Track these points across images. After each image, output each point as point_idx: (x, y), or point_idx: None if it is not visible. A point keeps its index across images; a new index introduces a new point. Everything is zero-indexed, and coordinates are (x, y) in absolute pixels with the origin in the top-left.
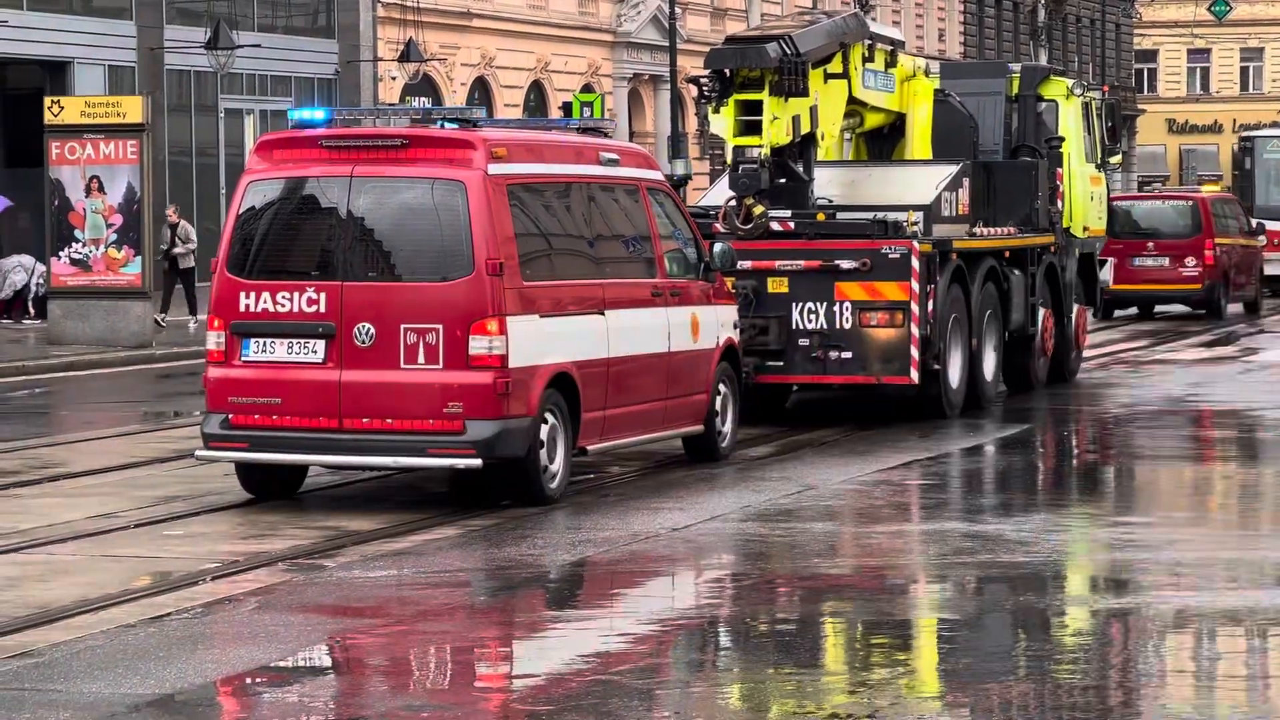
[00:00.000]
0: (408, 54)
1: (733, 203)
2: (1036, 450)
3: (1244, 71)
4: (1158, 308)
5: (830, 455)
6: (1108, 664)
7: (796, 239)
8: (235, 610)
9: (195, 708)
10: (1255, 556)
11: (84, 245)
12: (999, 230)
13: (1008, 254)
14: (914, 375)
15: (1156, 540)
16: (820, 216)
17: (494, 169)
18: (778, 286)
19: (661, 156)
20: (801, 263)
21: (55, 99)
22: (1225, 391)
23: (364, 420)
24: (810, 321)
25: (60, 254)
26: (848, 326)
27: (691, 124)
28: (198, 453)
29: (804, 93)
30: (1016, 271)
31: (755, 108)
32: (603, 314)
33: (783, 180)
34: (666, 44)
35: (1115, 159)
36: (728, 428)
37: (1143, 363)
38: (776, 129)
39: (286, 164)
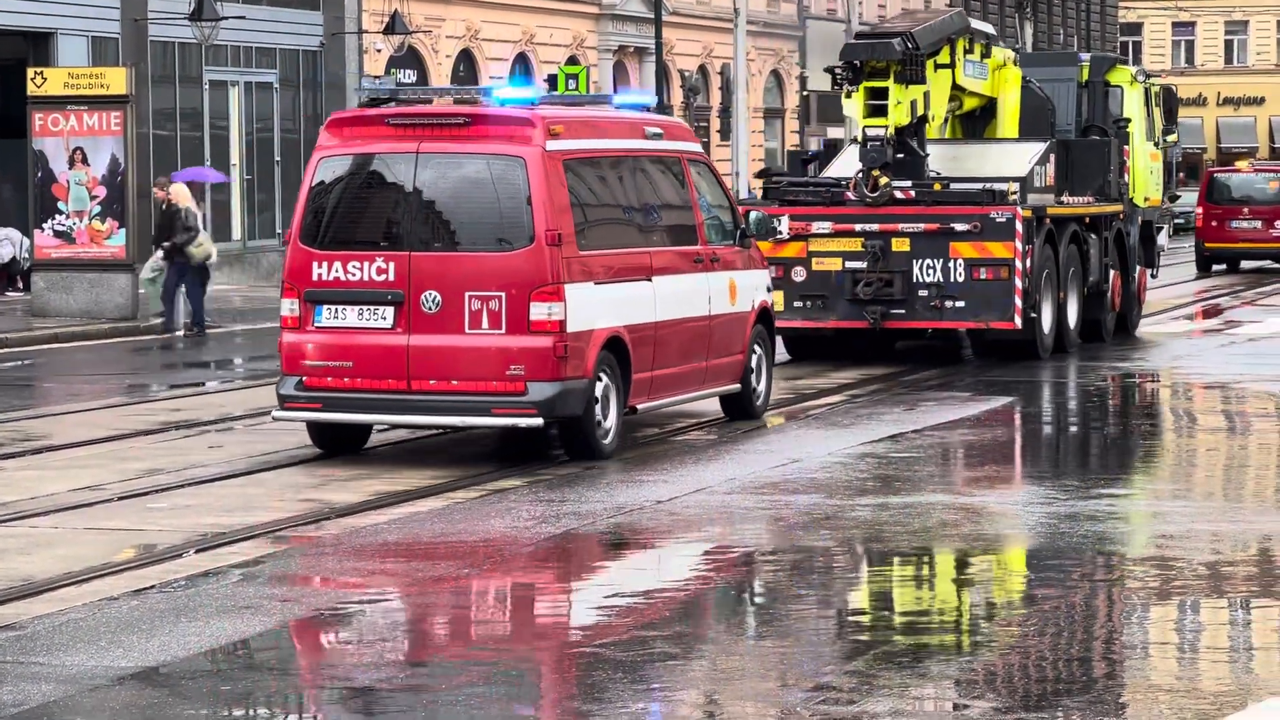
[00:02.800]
0: (393, 26)
1: (861, 174)
2: (1018, 424)
3: (1228, 44)
4: (1244, 263)
5: (815, 428)
6: (1092, 635)
7: (917, 205)
8: (219, 583)
9: (178, 680)
10: (1239, 529)
11: (67, 217)
12: (1079, 199)
13: (1087, 220)
14: (1018, 321)
15: (1139, 512)
16: (937, 186)
17: (551, 145)
18: (900, 246)
19: None
20: (921, 225)
21: (38, 70)
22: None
23: (431, 382)
24: (929, 275)
25: (44, 226)
26: (961, 279)
27: (676, 96)
28: (274, 414)
29: (921, 81)
30: (1093, 235)
31: (881, 94)
32: (650, 280)
33: (901, 155)
34: (652, 16)
35: (1171, 138)
36: (762, 386)
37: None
38: (899, 112)
39: (355, 141)
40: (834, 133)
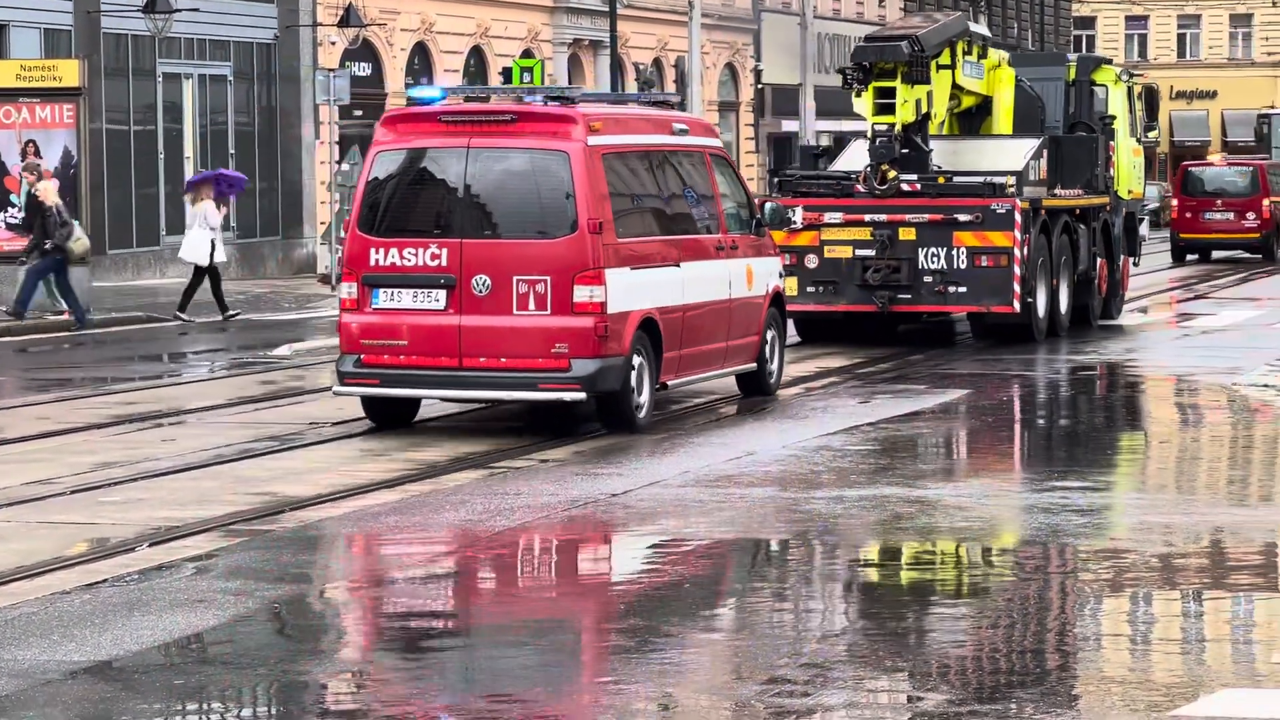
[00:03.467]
0: (347, 19)
1: (870, 168)
2: (972, 416)
3: (1181, 38)
4: (1215, 253)
5: (771, 421)
6: (1045, 627)
7: (922, 197)
8: (172, 577)
9: (131, 674)
10: (1192, 521)
11: (20, 210)
12: (1070, 192)
13: (1077, 211)
14: (1016, 305)
15: (1094, 504)
16: (941, 180)
17: (592, 140)
18: (907, 235)
19: None
20: (927, 216)
21: None
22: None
23: (481, 359)
24: (933, 263)
25: None
26: (963, 266)
27: (631, 89)
28: (335, 389)
29: (926, 81)
30: (1082, 226)
31: (889, 93)
32: (678, 266)
33: (907, 151)
34: (607, 9)
35: (1152, 134)
36: (775, 365)
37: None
38: (906, 110)
39: (409, 136)
40: (788, 125)
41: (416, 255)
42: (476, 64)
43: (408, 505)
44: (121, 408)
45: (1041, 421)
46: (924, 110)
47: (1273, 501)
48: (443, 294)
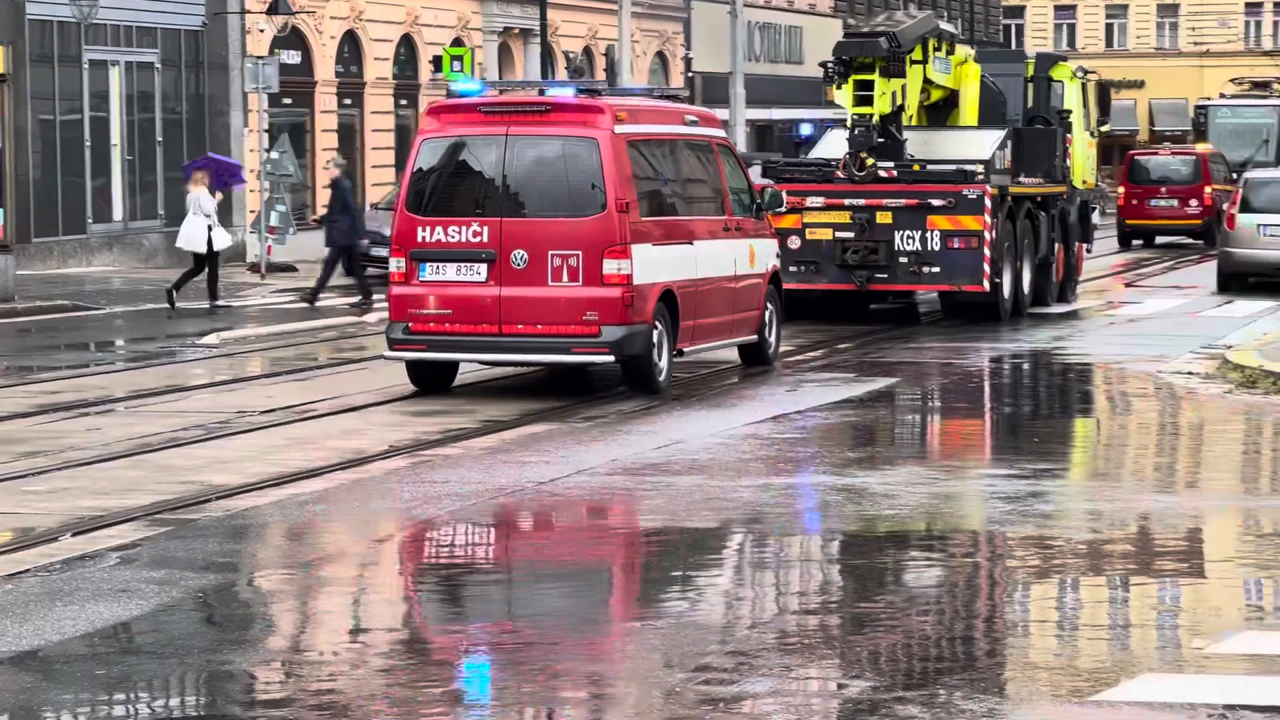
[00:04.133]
0: (276, 7)
1: (849, 155)
2: (900, 404)
3: (1109, 28)
4: (1159, 238)
5: (699, 409)
6: (972, 614)
7: (898, 183)
8: (96, 566)
9: (54, 664)
10: (1117, 508)
11: None
12: (1032, 180)
13: (1039, 199)
14: (986, 285)
15: (1021, 492)
16: (916, 167)
17: (618, 129)
18: (884, 218)
19: None
20: (903, 201)
21: None
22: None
23: (519, 326)
24: (909, 245)
25: None
26: (937, 248)
27: (561, 78)
28: (385, 353)
29: (902, 74)
30: (1043, 213)
31: (868, 85)
32: (692, 244)
33: (883, 140)
34: None
35: (1105, 128)
36: (773, 338)
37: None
38: (883, 101)
39: (452, 125)
40: (720, 114)
41: (460, 232)
42: (406, 52)
43: (334, 493)
44: (46, 397)
45: (968, 409)
46: (899, 102)
47: (1198, 488)
48: (484, 267)
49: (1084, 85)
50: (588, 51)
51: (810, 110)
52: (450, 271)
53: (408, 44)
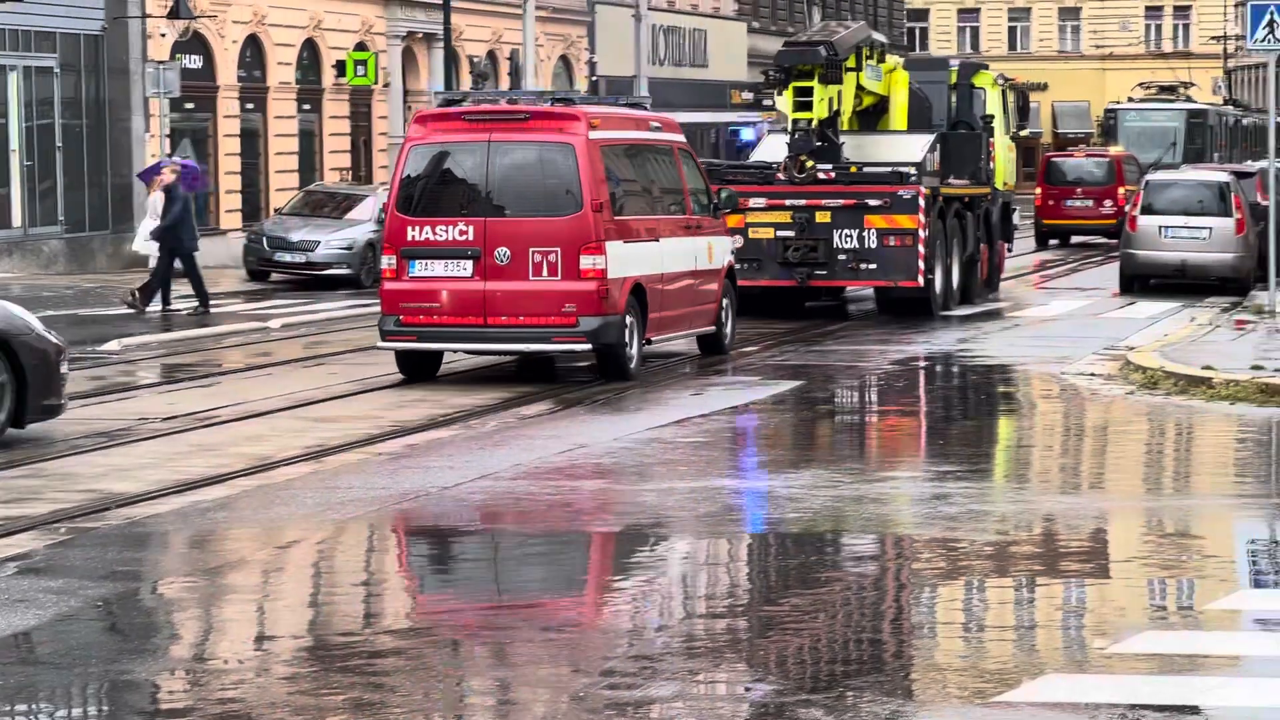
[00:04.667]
0: (177, 11)
1: (790, 158)
2: (803, 407)
3: (1011, 31)
4: (1074, 237)
5: (602, 413)
6: (878, 616)
7: (837, 184)
8: None
9: None
10: (1021, 509)
11: None
12: (959, 182)
13: (966, 199)
14: (920, 281)
15: (925, 494)
16: (853, 169)
17: (593, 134)
18: (823, 218)
19: None
20: (841, 201)
21: None
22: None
23: (503, 318)
24: (847, 243)
25: None
26: (873, 246)
27: (466, 82)
28: (379, 343)
29: (839, 81)
30: (969, 213)
31: (807, 92)
32: (658, 241)
33: (821, 144)
34: (441, 2)
35: (1024, 132)
36: (729, 329)
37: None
38: (821, 107)
39: (438, 132)
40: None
41: (447, 231)
42: (310, 56)
43: (237, 500)
44: None
45: (873, 412)
46: (835, 107)
47: (1101, 489)
48: (470, 263)
49: (1004, 91)
50: (492, 56)
51: (715, 114)
52: (438, 267)
53: (311, 48)
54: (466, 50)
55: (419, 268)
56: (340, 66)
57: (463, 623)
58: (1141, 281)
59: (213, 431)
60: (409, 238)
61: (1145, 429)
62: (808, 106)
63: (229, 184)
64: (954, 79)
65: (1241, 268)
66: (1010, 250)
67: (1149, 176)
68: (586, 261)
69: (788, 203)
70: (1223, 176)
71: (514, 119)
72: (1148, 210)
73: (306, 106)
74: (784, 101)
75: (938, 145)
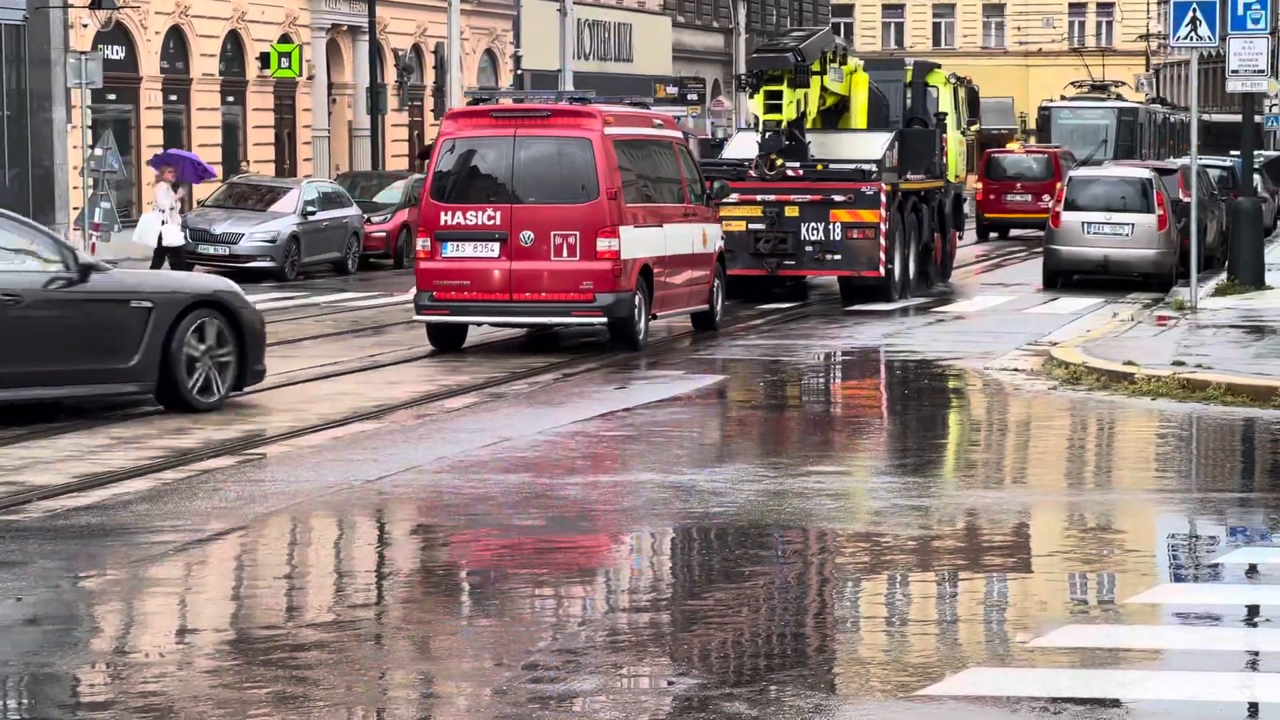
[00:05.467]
0: (99, 1)
1: (760, 157)
2: (727, 401)
3: (936, 27)
4: (1014, 231)
5: (526, 407)
6: (802, 611)
7: (804, 181)
8: None
9: None
10: (944, 504)
11: None
12: (916, 177)
13: (922, 193)
14: (882, 270)
15: (848, 489)
16: (820, 167)
17: (607, 130)
18: (792, 212)
19: (360, 108)
20: (808, 196)
21: None
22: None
23: (527, 294)
24: (814, 235)
25: None
26: (838, 238)
27: (390, 75)
28: (415, 317)
29: (806, 85)
30: (925, 206)
31: (777, 95)
32: (662, 227)
33: (789, 143)
34: None
35: (973, 128)
36: (719, 307)
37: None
38: (790, 109)
39: (468, 129)
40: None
41: (477, 216)
42: (233, 48)
43: (160, 493)
44: None
45: (796, 406)
46: (802, 109)
47: (1024, 483)
48: (497, 245)
49: (955, 90)
50: (417, 49)
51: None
52: (468, 249)
53: (234, 40)
54: (391, 43)
55: (451, 249)
56: (265, 59)
57: (383, 615)
58: (1065, 277)
59: (134, 424)
60: (442, 222)
61: (1067, 424)
62: (778, 109)
63: (150, 175)
64: (909, 78)
65: (1163, 264)
66: (961, 238)
67: (1072, 173)
68: (602, 244)
69: (759, 198)
70: (1145, 173)
71: (537, 116)
72: (1071, 206)
73: (230, 99)
74: (755, 104)
75: (896, 143)
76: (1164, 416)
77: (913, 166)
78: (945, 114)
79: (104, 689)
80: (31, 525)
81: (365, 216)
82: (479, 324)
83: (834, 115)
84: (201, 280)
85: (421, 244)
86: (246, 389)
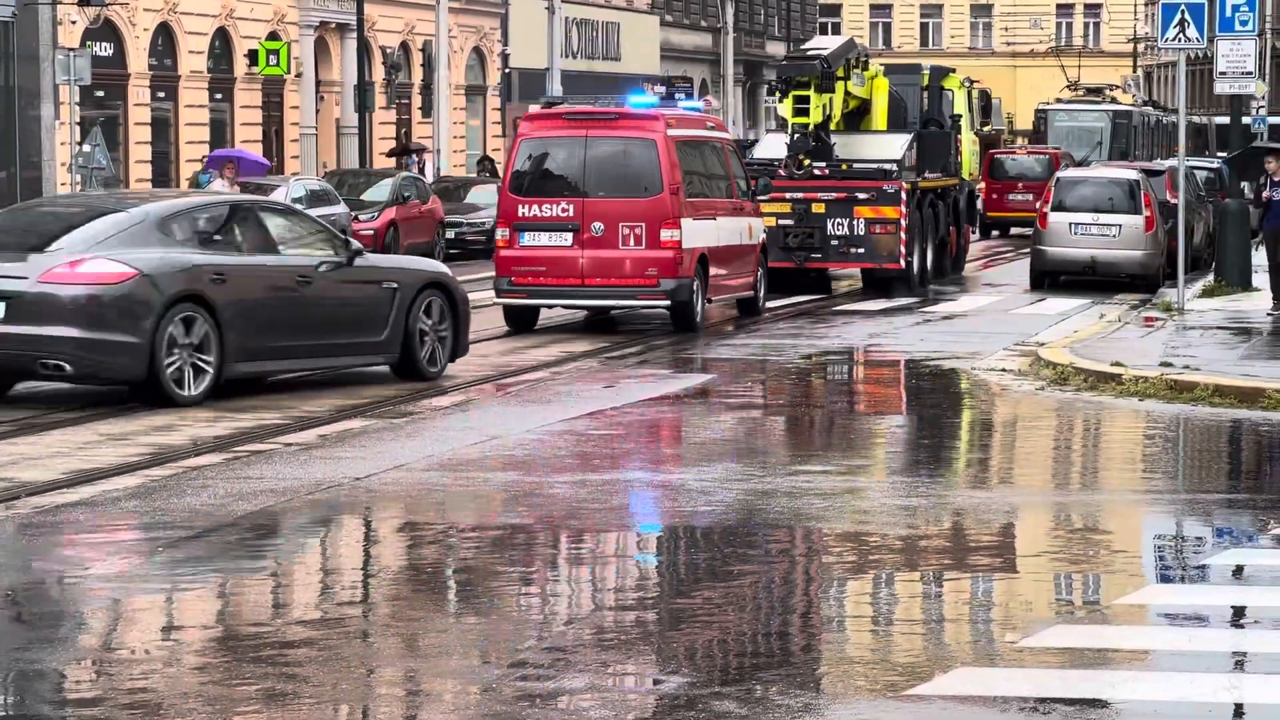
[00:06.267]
0: None
1: (789, 157)
2: (717, 400)
3: (924, 27)
4: (1014, 229)
5: (515, 405)
6: (789, 610)
7: (830, 179)
8: None
9: None
10: (931, 503)
11: None
12: (933, 175)
13: (939, 190)
14: (902, 263)
15: (836, 488)
16: (844, 166)
17: (670, 132)
18: (819, 209)
19: (347, 105)
20: (834, 194)
21: None
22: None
23: (597, 279)
24: (839, 230)
25: None
26: (862, 233)
27: (378, 73)
28: (495, 300)
29: (831, 90)
30: (941, 202)
31: (804, 100)
32: (715, 220)
33: (816, 144)
34: None
35: (986, 129)
36: (762, 294)
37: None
38: (816, 113)
39: (543, 130)
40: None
41: (551, 209)
42: (222, 45)
43: (147, 490)
44: None
45: (783, 406)
46: (828, 112)
47: (1011, 483)
48: (570, 235)
49: (969, 93)
50: (405, 47)
51: None
52: (543, 238)
53: (223, 37)
54: (379, 41)
55: (528, 238)
56: (253, 56)
57: (372, 613)
58: (1052, 278)
59: (122, 420)
60: (519, 214)
61: (1055, 424)
62: (805, 113)
63: (139, 173)
64: (926, 82)
65: (1150, 265)
66: (975, 233)
67: (1059, 174)
68: (665, 234)
69: (787, 195)
70: (1132, 174)
71: (605, 118)
72: (1058, 207)
73: (218, 96)
74: (784, 108)
75: (914, 143)
76: (1151, 417)
77: (930, 165)
78: (960, 116)
79: (92, 686)
80: (19, 522)
81: (353, 214)
82: (552, 306)
83: (856, 118)
84: (428, 264)
85: (500, 234)
86: (456, 359)
